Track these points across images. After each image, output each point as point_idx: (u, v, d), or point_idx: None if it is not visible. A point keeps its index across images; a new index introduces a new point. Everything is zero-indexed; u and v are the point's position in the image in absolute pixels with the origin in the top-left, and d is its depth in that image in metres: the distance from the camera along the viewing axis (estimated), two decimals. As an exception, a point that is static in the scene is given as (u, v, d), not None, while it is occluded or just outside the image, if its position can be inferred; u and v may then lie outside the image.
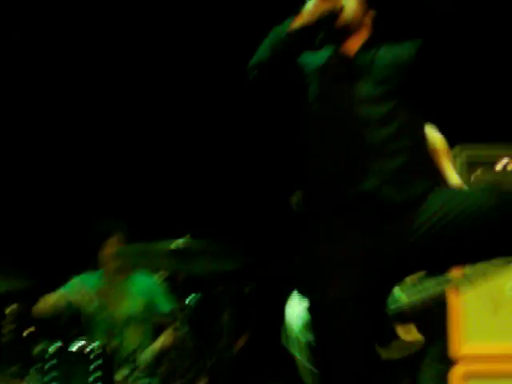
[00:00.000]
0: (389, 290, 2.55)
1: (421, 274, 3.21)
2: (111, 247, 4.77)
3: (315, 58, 2.61)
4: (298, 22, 2.50)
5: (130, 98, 5.87)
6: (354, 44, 2.60)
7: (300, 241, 2.50)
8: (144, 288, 4.82)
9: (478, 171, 3.78)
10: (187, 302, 4.18)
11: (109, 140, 5.92)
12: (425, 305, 3.26)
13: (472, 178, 3.87)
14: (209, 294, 4.80)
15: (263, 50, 2.53)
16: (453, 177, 3.52)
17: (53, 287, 4.80)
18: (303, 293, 2.52)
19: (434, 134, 3.52)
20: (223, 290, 5.04)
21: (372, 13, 2.65)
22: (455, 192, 2.56)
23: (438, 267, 2.68)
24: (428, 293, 3.25)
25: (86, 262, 4.92)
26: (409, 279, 3.22)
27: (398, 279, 2.57)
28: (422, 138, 2.55)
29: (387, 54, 2.55)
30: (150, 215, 5.64)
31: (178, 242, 3.82)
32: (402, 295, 3.25)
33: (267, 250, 5.24)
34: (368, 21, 2.64)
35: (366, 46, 2.58)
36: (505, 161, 3.75)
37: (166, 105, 5.92)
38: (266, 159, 5.69)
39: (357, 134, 2.42)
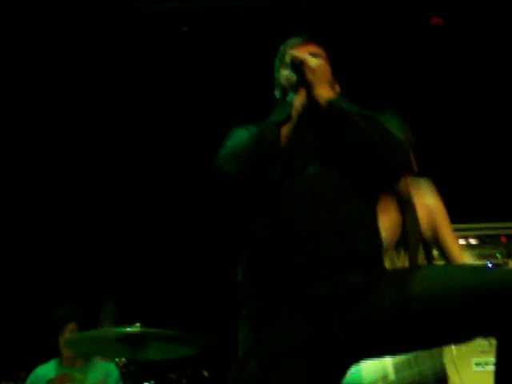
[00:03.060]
0: (341, 377, 2.40)
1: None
2: (66, 335, 4.76)
3: None
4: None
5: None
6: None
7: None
8: (101, 371, 4.80)
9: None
10: None
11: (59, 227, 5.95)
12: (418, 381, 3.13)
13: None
14: (165, 380, 4.84)
15: (248, 143, 2.43)
16: (454, 246, 3.34)
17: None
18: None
19: (431, 199, 3.36)
20: (180, 374, 5.04)
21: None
22: (426, 271, 2.41)
23: (402, 349, 2.52)
24: (420, 368, 3.13)
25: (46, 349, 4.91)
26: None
27: (350, 365, 2.43)
28: (373, 222, 2.49)
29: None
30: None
31: (130, 329, 3.78)
32: (389, 372, 3.15)
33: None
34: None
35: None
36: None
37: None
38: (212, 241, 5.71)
39: (305, 214, 2.34)
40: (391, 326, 2.25)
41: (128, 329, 3.74)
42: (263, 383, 2.25)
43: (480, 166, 5.58)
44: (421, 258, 3.24)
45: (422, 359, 3.11)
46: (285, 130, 2.41)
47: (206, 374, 5.11)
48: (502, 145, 5.60)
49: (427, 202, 3.31)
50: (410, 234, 3.23)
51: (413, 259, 3.20)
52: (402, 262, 3.20)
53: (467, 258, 3.40)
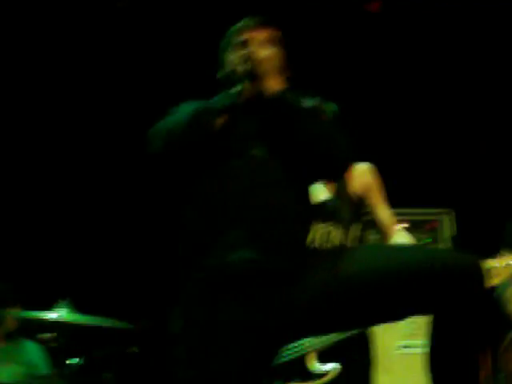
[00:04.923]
0: (271, 360, 2.38)
1: None
2: None
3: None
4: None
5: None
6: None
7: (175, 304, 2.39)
8: (26, 353, 4.80)
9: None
10: (71, 363, 4.18)
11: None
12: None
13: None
14: (91, 356, 4.79)
15: (178, 123, 2.37)
16: (384, 215, 3.44)
17: None
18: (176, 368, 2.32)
19: (363, 167, 3.46)
20: (106, 351, 5.04)
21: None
22: (350, 252, 2.42)
23: (327, 330, 2.56)
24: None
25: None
26: None
27: (281, 346, 2.46)
28: (303, 203, 2.49)
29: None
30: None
31: (58, 310, 3.89)
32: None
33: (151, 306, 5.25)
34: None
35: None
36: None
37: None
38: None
39: (240, 195, 2.34)
40: (320, 306, 2.26)
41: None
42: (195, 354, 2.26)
43: (412, 152, 5.66)
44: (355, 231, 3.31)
45: None
46: (223, 117, 2.40)
47: (135, 349, 5.12)
48: (435, 132, 5.70)
49: (362, 179, 3.42)
50: (343, 203, 3.34)
51: (346, 230, 3.29)
52: (337, 235, 3.27)
53: (399, 231, 3.44)
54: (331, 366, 3.12)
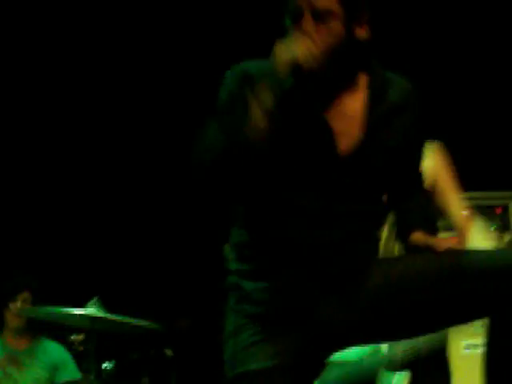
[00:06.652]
0: (322, 362, 2.29)
1: None
2: (17, 305, 4.54)
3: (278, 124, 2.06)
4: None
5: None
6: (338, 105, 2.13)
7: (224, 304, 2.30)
8: (50, 355, 4.60)
9: None
10: (103, 368, 4.07)
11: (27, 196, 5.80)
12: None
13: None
14: (126, 359, 4.69)
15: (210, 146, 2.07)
16: (456, 207, 3.02)
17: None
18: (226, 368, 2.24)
19: (436, 162, 3.06)
20: (142, 354, 4.89)
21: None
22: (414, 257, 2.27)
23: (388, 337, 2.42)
24: (414, 342, 3.02)
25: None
26: None
27: (335, 349, 2.32)
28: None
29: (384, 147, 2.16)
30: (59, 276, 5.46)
31: (89, 308, 3.74)
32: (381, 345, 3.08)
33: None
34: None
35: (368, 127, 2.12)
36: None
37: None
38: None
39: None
40: (385, 310, 2.16)
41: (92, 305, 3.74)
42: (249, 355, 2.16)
43: (478, 134, 5.37)
44: None
45: None
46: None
47: (169, 353, 4.91)
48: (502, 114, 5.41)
49: (430, 166, 2.97)
50: None
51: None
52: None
53: (476, 228, 3.10)
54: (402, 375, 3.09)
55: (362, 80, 2.15)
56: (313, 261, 2.11)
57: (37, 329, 4.59)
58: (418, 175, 2.33)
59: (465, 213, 2.99)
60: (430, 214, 2.51)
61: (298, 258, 2.12)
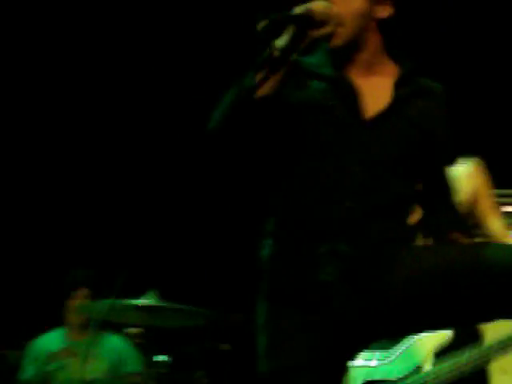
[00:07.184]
0: (350, 356, 2.28)
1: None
2: (77, 301, 4.56)
3: (306, 91, 2.20)
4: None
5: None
6: (368, 80, 2.21)
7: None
8: (111, 348, 4.60)
9: None
10: (159, 361, 4.03)
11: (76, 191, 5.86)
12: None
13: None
14: (181, 353, 4.67)
15: (223, 110, 2.16)
16: (495, 226, 2.98)
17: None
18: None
19: (468, 167, 3.02)
20: (197, 348, 4.88)
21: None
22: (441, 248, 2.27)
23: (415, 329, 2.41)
24: (457, 359, 2.99)
25: (52, 316, 4.73)
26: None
27: (363, 344, 2.31)
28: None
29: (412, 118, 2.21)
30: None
31: (147, 299, 3.77)
32: (423, 363, 3.05)
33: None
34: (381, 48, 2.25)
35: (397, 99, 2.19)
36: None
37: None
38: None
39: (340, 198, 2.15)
40: (408, 303, 2.13)
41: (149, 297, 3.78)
42: (276, 353, 2.17)
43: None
44: None
45: (460, 350, 3.01)
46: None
47: (225, 347, 4.92)
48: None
49: (471, 184, 2.97)
50: None
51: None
52: None
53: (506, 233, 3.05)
54: None
55: (391, 66, 2.25)
56: (334, 238, 2.11)
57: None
58: (444, 179, 2.31)
59: (505, 234, 2.98)
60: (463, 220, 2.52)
61: (322, 233, 2.12)
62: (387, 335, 2.44)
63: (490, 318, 2.21)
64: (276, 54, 2.05)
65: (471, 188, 2.93)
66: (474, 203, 2.95)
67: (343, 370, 2.22)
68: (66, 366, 4.50)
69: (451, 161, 2.36)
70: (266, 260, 2.22)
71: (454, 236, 2.26)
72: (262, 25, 2.02)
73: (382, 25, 2.22)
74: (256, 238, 2.31)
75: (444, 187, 2.31)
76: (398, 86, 2.20)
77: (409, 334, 2.94)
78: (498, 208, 3.02)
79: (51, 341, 4.62)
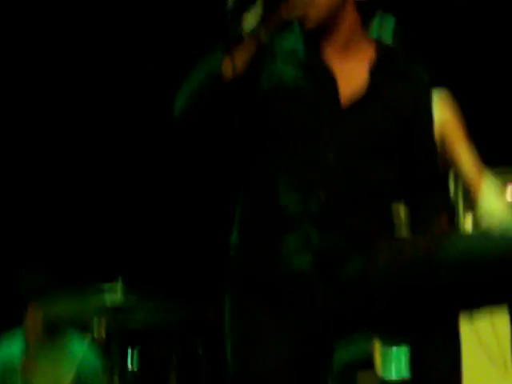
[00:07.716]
0: (329, 352, 2.22)
1: None
2: (34, 308, 4.48)
3: (277, 74, 2.14)
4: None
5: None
6: (343, 59, 2.15)
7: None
8: (76, 354, 4.52)
9: None
10: (128, 364, 4.05)
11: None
12: None
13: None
14: (152, 355, 4.54)
15: (188, 90, 2.14)
16: (468, 160, 2.94)
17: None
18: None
19: (444, 111, 2.97)
20: (169, 350, 4.67)
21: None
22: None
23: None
24: None
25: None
26: None
27: (340, 338, 2.24)
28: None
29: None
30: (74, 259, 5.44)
31: (112, 298, 3.71)
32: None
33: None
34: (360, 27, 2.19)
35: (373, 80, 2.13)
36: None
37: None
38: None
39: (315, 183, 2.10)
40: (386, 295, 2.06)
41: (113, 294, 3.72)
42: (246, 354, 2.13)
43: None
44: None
45: None
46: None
47: (199, 349, 4.84)
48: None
49: (438, 116, 2.79)
50: None
51: None
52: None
53: (488, 184, 2.96)
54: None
55: (370, 48, 2.19)
56: (309, 228, 2.07)
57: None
58: (433, 171, 2.26)
59: (476, 165, 2.91)
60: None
61: (294, 221, 2.08)
62: (366, 328, 2.30)
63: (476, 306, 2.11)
64: (244, 33, 2.04)
65: (437, 121, 2.74)
66: (442, 137, 2.87)
67: (325, 367, 2.17)
68: (28, 379, 4.46)
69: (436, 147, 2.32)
70: (233, 249, 2.18)
71: (442, 220, 2.19)
72: (230, 1, 2.01)
73: (360, 4, 2.16)
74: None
75: (432, 175, 2.26)
76: (376, 68, 2.16)
77: (392, 328, 2.71)
78: (469, 140, 2.99)
79: (12, 352, 4.55)
